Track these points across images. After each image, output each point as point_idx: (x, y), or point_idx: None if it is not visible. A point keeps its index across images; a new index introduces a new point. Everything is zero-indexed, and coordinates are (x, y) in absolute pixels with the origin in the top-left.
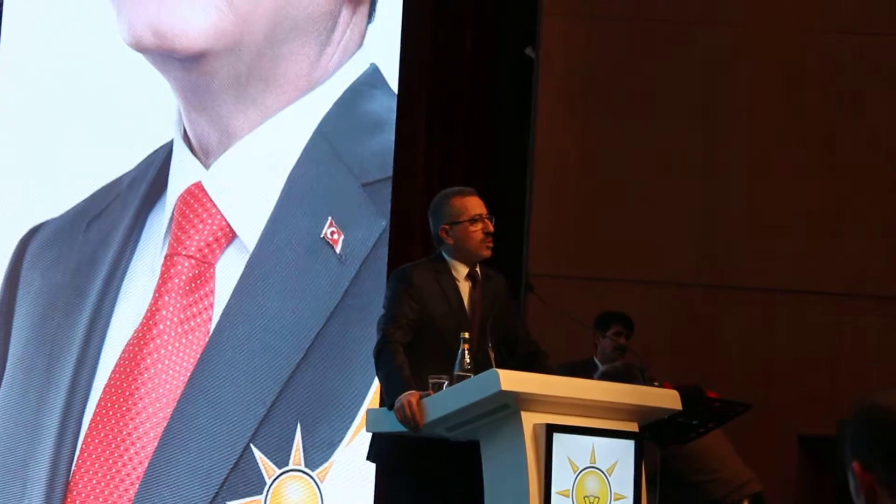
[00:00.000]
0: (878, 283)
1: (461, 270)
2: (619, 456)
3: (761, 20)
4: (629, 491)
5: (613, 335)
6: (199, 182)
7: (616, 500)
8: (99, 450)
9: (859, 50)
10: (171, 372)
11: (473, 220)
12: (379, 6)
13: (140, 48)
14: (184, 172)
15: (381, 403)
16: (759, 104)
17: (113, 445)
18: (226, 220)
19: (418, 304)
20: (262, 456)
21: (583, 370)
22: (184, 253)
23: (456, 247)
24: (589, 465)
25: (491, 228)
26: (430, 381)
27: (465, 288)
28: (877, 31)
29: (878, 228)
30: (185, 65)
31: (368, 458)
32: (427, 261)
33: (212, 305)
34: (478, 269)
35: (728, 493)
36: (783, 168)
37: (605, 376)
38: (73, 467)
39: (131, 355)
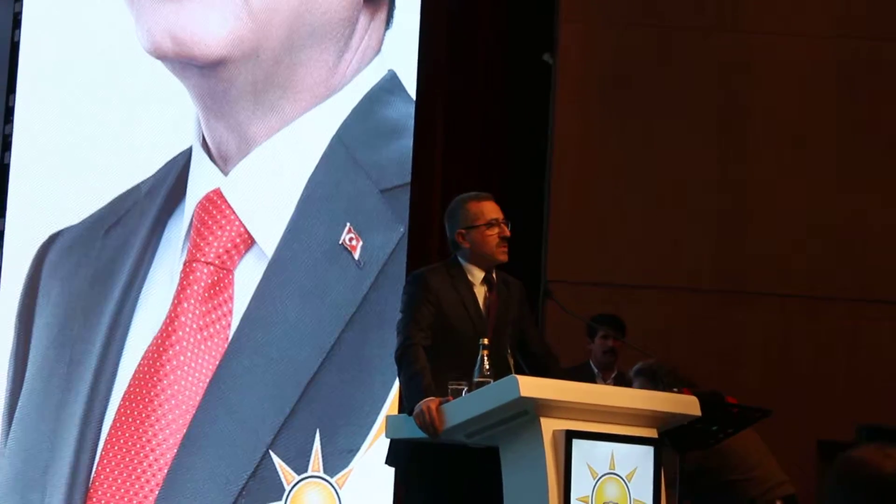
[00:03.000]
0: (893, 289)
1: (477, 275)
2: (638, 462)
3: (776, 27)
4: (648, 497)
5: (601, 339)
6: (218, 188)
7: None
8: (118, 457)
9: (873, 56)
10: (190, 378)
11: (490, 225)
12: (397, 13)
13: (159, 55)
14: (202, 179)
15: (401, 409)
16: (776, 110)
17: (132, 452)
18: (244, 226)
19: (435, 307)
20: (281, 462)
21: (581, 375)
22: (203, 259)
23: (472, 251)
24: (608, 471)
25: (507, 233)
26: (450, 387)
27: (481, 292)
28: (890, 37)
29: (893, 233)
30: (203, 72)
31: (387, 461)
32: (442, 265)
33: (231, 312)
34: (493, 274)
35: (762, 492)
36: (799, 173)
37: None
38: (93, 474)
39: (150, 362)
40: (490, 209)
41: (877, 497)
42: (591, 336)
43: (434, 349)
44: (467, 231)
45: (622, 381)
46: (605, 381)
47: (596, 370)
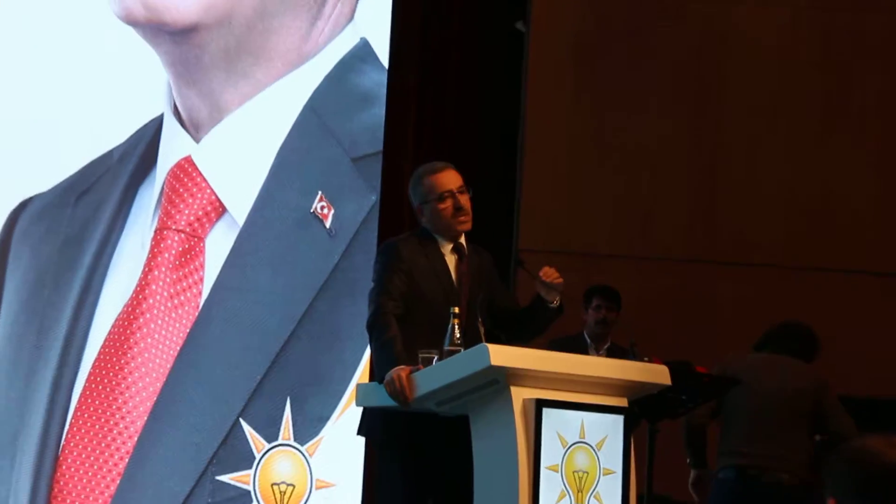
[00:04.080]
0: (869, 259)
1: (446, 245)
2: (608, 431)
3: None
4: (618, 466)
5: (594, 309)
6: (189, 156)
7: (605, 474)
8: (88, 424)
9: (850, 26)
10: (160, 346)
11: (441, 198)
12: None
13: (130, 21)
14: (174, 146)
15: (371, 378)
16: (752, 79)
17: (102, 420)
18: (216, 194)
19: (407, 276)
20: (251, 430)
21: (574, 345)
22: (174, 227)
23: (431, 225)
24: (578, 440)
25: (461, 203)
26: (420, 355)
27: (451, 261)
28: (867, 7)
29: (870, 202)
30: (175, 38)
31: (359, 432)
32: (413, 234)
33: (201, 280)
34: (463, 242)
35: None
36: (775, 142)
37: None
38: (63, 441)
39: (121, 330)
40: (443, 181)
41: (881, 484)
42: (586, 304)
43: (406, 318)
44: (423, 205)
45: (615, 352)
46: (598, 353)
47: (589, 341)
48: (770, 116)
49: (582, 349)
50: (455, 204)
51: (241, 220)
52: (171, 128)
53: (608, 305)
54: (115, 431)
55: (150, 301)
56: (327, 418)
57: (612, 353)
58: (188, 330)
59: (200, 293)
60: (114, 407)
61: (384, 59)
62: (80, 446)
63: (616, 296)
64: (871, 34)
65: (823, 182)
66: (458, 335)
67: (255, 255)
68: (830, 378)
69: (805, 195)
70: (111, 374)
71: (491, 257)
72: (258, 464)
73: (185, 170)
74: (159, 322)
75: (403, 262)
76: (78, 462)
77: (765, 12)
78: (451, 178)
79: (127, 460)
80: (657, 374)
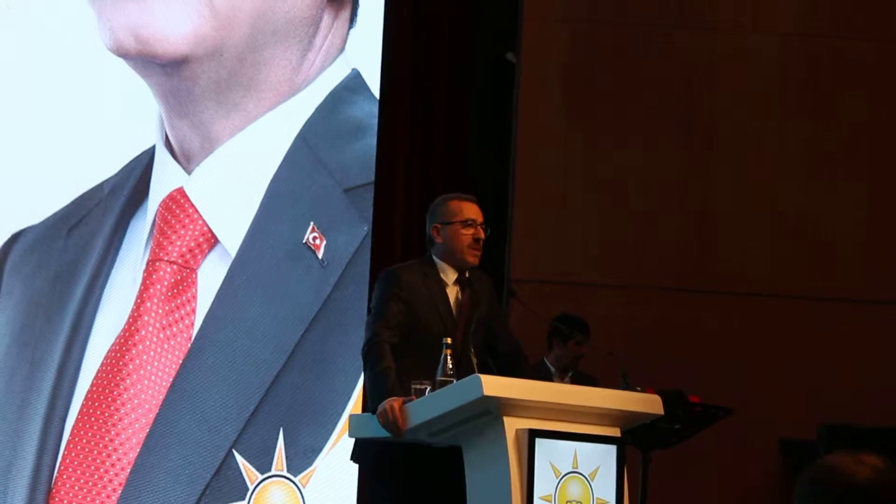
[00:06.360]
0: (856, 287)
1: (450, 275)
2: (601, 461)
3: (739, 24)
4: (611, 496)
5: (575, 345)
6: (181, 187)
7: None
8: (81, 456)
9: (836, 54)
10: (153, 378)
11: (465, 224)
12: (360, 11)
13: (121, 53)
14: (165, 178)
15: (364, 408)
16: (739, 108)
17: (95, 451)
18: (207, 225)
19: (406, 305)
20: (244, 461)
21: (539, 374)
22: (166, 259)
23: (444, 247)
24: (571, 469)
25: (482, 236)
26: (413, 386)
27: (452, 292)
28: (854, 35)
29: (855, 231)
30: (166, 70)
31: (352, 458)
32: (416, 262)
33: (194, 311)
34: (466, 275)
35: None
36: (763, 170)
37: None
38: (56, 474)
39: (113, 362)
40: (469, 209)
41: None
42: (562, 338)
43: (402, 347)
44: (443, 226)
45: (579, 379)
46: (562, 380)
47: (553, 369)
48: (758, 144)
49: (546, 377)
50: (475, 234)
51: (233, 252)
52: (162, 159)
53: (586, 341)
54: (107, 463)
55: (143, 332)
56: (320, 449)
57: (576, 379)
58: (181, 361)
59: (193, 324)
60: (106, 439)
61: (375, 89)
62: (73, 479)
63: (587, 327)
64: (858, 61)
65: (811, 210)
66: (450, 366)
67: (247, 287)
68: (819, 405)
69: (792, 223)
70: (104, 406)
71: (491, 280)
72: (251, 495)
73: (177, 201)
74: (152, 354)
75: (402, 290)
76: (70, 495)
77: (752, 39)
78: (476, 211)
79: (120, 492)
80: (650, 403)
